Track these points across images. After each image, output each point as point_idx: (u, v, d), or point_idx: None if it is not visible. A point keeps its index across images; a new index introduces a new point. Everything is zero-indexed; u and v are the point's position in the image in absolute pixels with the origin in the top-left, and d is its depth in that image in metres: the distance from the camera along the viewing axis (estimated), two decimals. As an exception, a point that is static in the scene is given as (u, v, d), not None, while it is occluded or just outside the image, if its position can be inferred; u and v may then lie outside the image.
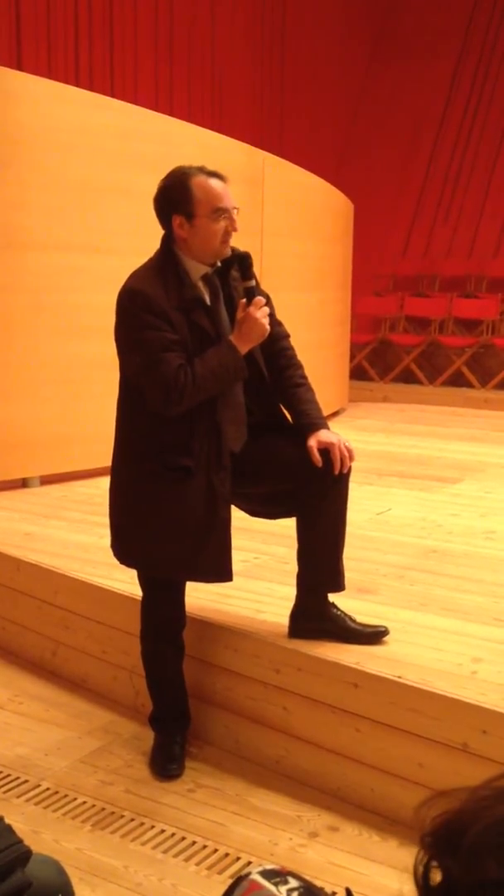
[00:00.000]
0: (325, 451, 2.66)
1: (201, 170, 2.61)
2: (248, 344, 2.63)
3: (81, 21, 8.08)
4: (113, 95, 6.68)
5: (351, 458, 2.69)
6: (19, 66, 7.25)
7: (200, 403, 2.59)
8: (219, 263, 2.68)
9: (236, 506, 2.83)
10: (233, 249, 2.68)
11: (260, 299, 2.63)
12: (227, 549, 2.68)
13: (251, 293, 2.64)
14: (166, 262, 2.63)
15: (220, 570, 2.68)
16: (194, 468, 2.60)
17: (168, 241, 2.65)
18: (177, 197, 2.59)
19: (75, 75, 7.99)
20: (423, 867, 0.66)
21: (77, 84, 7.04)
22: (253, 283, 2.66)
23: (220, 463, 2.64)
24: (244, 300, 2.63)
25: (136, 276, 2.64)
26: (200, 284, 2.66)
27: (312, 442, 2.67)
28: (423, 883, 0.66)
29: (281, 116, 10.44)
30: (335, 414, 7.64)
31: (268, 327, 2.65)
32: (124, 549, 2.76)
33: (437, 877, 0.66)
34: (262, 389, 2.79)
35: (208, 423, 2.62)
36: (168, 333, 2.55)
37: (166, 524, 2.63)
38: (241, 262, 2.67)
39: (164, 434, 2.61)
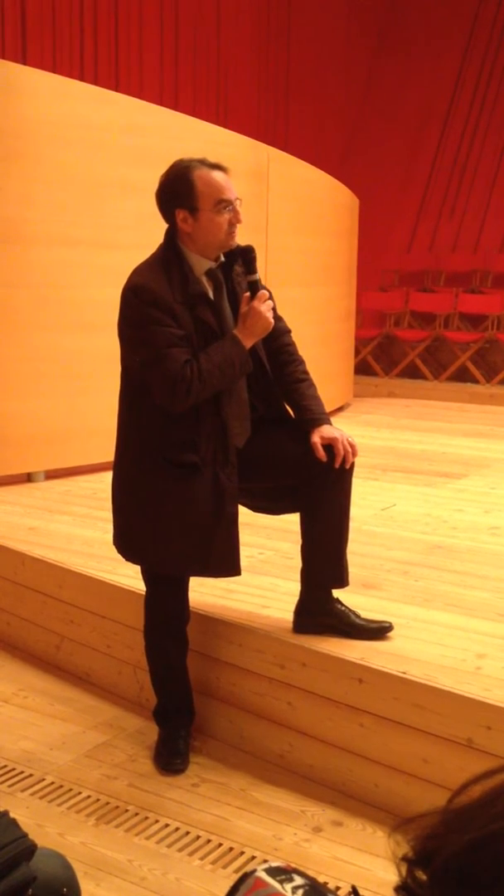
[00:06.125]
0: (329, 446, 2.66)
1: (202, 162, 2.60)
2: (253, 338, 2.63)
3: (86, 15, 8.06)
4: (118, 90, 6.66)
5: (354, 454, 2.69)
6: (24, 61, 7.24)
7: (206, 400, 2.59)
8: (222, 258, 2.68)
9: (240, 502, 2.83)
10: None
11: (264, 293, 2.63)
12: (234, 545, 2.67)
13: (255, 287, 2.64)
14: (170, 257, 2.62)
15: (228, 565, 2.68)
16: (201, 464, 2.60)
17: (172, 236, 2.64)
18: (179, 191, 2.58)
19: (80, 70, 7.98)
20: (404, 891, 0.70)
21: (82, 79, 7.03)
22: (257, 276, 2.66)
23: (227, 459, 2.63)
24: (248, 294, 2.63)
25: (139, 271, 2.63)
26: (204, 279, 2.65)
27: (315, 438, 2.67)
28: None
29: (286, 111, 10.42)
30: (340, 409, 7.63)
31: (272, 321, 2.64)
32: (130, 545, 2.75)
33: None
34: (265, 384, 2.79)
35: (214, 419, 2.62)
36: (173, 329, 2.55)
37: (173, 521, 2.63)
38: (245, 255, 2.67)
39: (169, 430, 2.60)
